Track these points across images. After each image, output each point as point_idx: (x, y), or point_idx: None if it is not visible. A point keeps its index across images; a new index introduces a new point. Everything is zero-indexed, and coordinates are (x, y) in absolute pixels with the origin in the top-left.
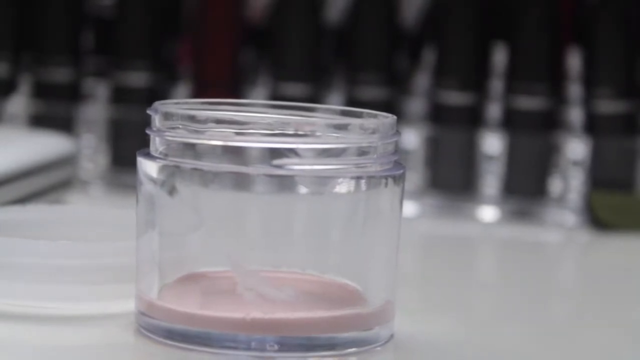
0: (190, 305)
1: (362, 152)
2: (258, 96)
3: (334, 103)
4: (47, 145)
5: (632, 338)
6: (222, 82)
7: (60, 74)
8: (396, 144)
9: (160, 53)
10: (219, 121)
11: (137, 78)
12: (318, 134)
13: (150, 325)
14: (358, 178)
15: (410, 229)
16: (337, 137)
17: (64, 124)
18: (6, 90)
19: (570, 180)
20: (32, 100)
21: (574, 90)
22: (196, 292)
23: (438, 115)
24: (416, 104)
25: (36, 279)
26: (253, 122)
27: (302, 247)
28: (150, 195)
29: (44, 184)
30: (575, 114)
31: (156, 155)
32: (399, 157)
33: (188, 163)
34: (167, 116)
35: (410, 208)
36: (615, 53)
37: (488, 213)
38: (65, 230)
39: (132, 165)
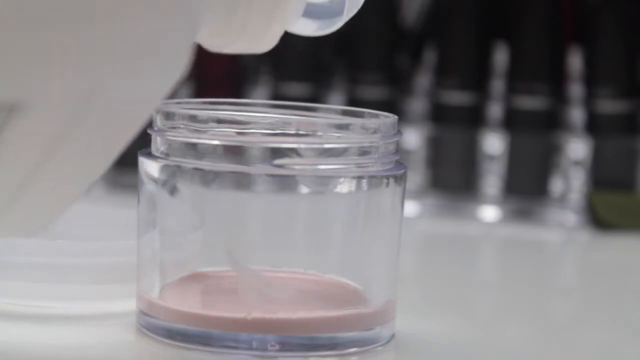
0: (191, 305)
1: (363, 152)
2: (259, 96)
3: (335, 103)
4: None
5: (632, 337)
6: (223, 82)
7: None
8: (397, 143)
9: None
10: (220, 121)
11: None
12: (319, 133)
13: (151, 325)
14: (359, 178)
15: (411, 229)
16: (339, 136)
17: None
18: None
19: (571, 180)
20: None
21: (575, 90)
22: (197, 292)
23: (439, 115)
24: (417, 104)
25: (36, 279)
26: (254, 122)
27: (303, 247)
28: (152, 194)
29: None
30: (576, 114)
31: (157, 155)
32: (400, 157)
33: (189, 163)
34: (168, 116)
35: (411, 208)
36: (616, 53)
37: (489, 213)
38: (65, 230)
39: (133, 165)
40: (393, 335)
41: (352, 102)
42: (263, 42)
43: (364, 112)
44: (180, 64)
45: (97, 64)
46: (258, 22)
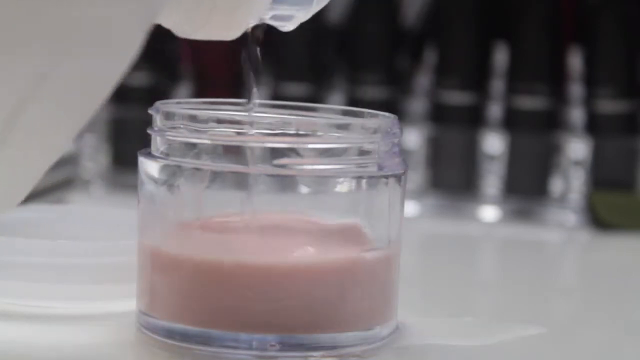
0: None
1: (363, 152)
2: (259, 96)
3: (336, 103)
4: None
5: (632, 337)
6: (223, 82)
7: None
8: (397, 143)
9: (162, 52)
10: (220, 121)
11: (139, 77)
12: (319, 133)
13: (150, 325)
14: (359, 178)
15: (411, 229)
16: (339, 136)
17: None
18: None
19: (571, 180)
20: None
21: (575, 90)
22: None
23: (439, 115)
24: (417, 104)
25: (36, 279)
26: (254, 122)
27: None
28: (152, 194)
29: (45, 183)
30: (576, 114)
31: (157, 154)
32: (400, 157)
33: (189, 163)
34: (168, 116)
35: (411, 207)
36: (616, 53)
37: (489, 212)
38: (66, 230)
39: (133, 164)
40: (393, 335)
41: (352, 102)
42: (230, 28)
43: (364, 112)
44: (132, 47)
45: (50, 43)
46: (225, 8)
